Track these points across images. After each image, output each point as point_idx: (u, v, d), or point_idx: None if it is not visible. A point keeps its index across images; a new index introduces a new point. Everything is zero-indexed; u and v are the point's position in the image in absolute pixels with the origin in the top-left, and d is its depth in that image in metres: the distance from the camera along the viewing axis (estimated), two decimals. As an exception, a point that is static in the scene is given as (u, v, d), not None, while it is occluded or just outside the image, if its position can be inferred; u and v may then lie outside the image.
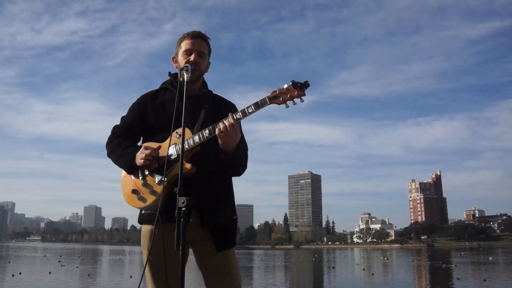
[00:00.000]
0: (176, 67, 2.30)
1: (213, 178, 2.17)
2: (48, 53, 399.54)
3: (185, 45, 2.23)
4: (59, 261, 29.43)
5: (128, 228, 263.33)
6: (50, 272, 19.29)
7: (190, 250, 2.27)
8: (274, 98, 1.98)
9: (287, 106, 1.98)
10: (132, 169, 2.16)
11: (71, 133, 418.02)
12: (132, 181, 2.17)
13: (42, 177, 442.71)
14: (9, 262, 28.30)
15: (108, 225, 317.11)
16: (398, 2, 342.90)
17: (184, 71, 2.05)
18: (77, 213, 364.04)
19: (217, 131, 2.01)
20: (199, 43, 2.24)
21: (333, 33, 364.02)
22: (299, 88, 1.96)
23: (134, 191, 2.15)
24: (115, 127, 2.33)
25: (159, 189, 2.04)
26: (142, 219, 2.22)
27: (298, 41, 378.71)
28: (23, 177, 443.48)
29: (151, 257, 2.14)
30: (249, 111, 2.00)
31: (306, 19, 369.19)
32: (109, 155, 2.26)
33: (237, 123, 2.02)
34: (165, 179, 2.03)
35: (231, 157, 2.09)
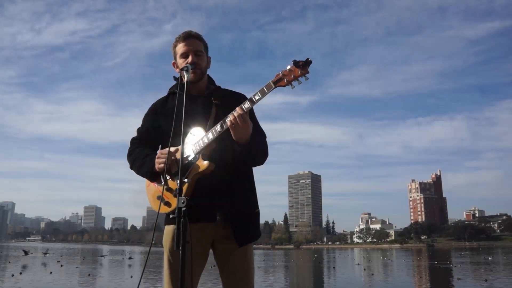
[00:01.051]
0: (178, 72, 2.28)
1: (233, 172, 2.16)
2: (48, 53, 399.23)
3: (180, 49, 2.23)
4: (58, 261, 29.44)
5: (128, 228, 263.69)
6: (51, 272, 19.31)
7: (210, 251, 2.27)
8: (278, 81, 1.94)
9: (293, 87, 1.94)
10: (154, 176, 2.18)
11: (71, 133, 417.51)
12: (156, 188, 2.20)
13: (42, 177, 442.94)
14: (9, 262, 28.33)
15: (108, 225, 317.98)
16: (398, 2, 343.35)
17: (184, 71, 2.06)
18: (77, 213, 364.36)
19: (228, 124, 2.01)
20: (193, 42, 2.23)
21: (333, 33, 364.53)
22: (302, 67, 1.91)
23: (159, 198, 2.16)
24: (133, 139, 2.36)
25: (182, 191, 2.04)
26: (168, 221, 2.22)
27: (298, 41, 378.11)
28: (23, 177, 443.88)
29: (171, 256, 2.15)
30: (256, 98, 1.97)
31: (306, 19, 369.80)
32: (131, 167, 2.28)
33: (245, 114, 2.00)
34: (186, 180, 2.03)
35: (246, 148, 2.06)
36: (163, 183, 2.15)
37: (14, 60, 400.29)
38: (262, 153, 2.21)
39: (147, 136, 2.32)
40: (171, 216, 2.12)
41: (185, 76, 2.05)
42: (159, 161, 2.11)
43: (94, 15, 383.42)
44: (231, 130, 2.02)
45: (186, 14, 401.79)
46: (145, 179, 2.26)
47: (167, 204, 2.11)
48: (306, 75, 1.93)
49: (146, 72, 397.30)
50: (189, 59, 2.20)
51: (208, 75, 2.35)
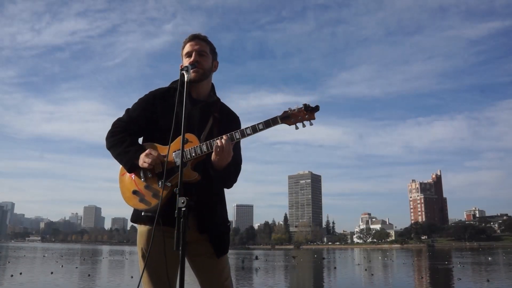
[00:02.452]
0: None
1: (212, 185, 2.18)
2: (48, 53, 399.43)
3: (185, 49, 2.25)
4: (56, 261, 29.41)
5: (128, 228, 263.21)
6: (52, 272, 19.28)
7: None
8: (285, 119, 2.02)
9: (297, 128, 2.03)
10: (133, 168, 2.14)
11: (71, 133, 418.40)
12: (133, 181, 2.15)
13: (42, 177, 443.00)
14: (9, 262, 28.30)
15: (107, 225, 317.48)
16: (399, 2, 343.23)
17: (184, 71, 2.03)
18: (76, 213, 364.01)
19: (214, 146, 2.02)
20: (198, 43, 2.24)
21: (334, 33, 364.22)
22: (310, 111, 2.02)
23: (135, 192, 2.13)
24: (119, 120, 2.26)
25: (162, 193, 2.03)
26: (138, 219, 2.19)
27: (299, 41, 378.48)
28: (23, 177, 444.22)
29: (148, 258, 2.13)
30: (260, 127, 2.02)
31: (306, 19, 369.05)
32: (109, 149, 2.21)
33: (231, 144, 2.03)
34: (169, 184, 2.04)
35: (220, 174, 2.10)
36: (142, 179, 2.12)
37: (14, 60, 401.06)
38: (232, 181, 2.24)
39: (136, 122, 2.23)
40: (143, 213, 2.11)
41: (185, 76, 2.01)
42: (146, 160, 2.06)
43: (94, 15, 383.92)
44: (213, 153, 2.03)
45: (187, 14, 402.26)
46: (120, 167, 2.22)
47: (144, 201, 2.09)
48: (312, 120, 2.03)
49: (146, 72, 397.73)
50: (192, 58, 2.19)
51: (212, 83, 2.35)
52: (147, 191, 2.09)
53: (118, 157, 2.17)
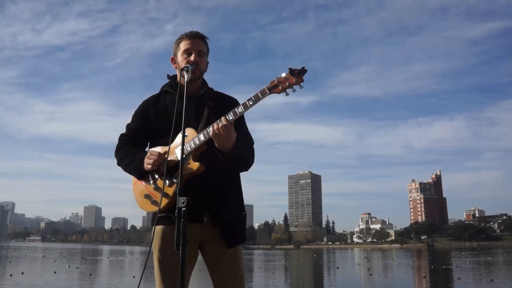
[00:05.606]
0: (175, 68, 2.28)
1: (222, 174, 2.16)
2: (49, 53, 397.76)
3: (184, 45, 2.21)
4: (55, 261, 29.40)
5: (128, 228, 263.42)
6: (55, 272, 19.30)
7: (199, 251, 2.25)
8: (273, 88, 1.96)
9: (287, 94, 1.96)
10: (142, 174, 2.17)
11: (72, 133, 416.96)
12: (144, 186, 2.19)
13: (42, 177, 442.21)
14: (9, 262, 28.31)
15: (108, 225, 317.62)
16: (399, 2, 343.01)
17: (184, 72, 2.04)
18: (77, 213, 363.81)
19: (210, 133, 2.00)
20: (198, 43, 2.22)
21: (334, 33, 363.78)
22: (297, 75, 1.94)
23: (147, 196, 2.16)
24: (122, 135, 2.33)
25: (170, 191, 2.05)
26: (156, 222, 2.18)
27: (299, 41, 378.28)
28: (23, 177, 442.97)
29: (161, 257, 2.14)
30: (250, 103, 1.98)
31: (307, 19, 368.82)
32: (118, 164, 2.27)
33: (229, 124, 2.00)
34: (175, 180, 2.04)
35: (229, 156, 2.06)
36: (151, 182, 2.15)
37: (15, 60, 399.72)
38: (247, 161, 2.20)
39: (137, 133, 2.30)
40: (158, 215, 2.10)
41: (185, 76, 2.01)
42: (148, 161, 2.10)
43: (95, 15, 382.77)
44: (214, 139, 2.02)
45: (187, 14, 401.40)
46: (131, 177, 2.25)
47: (155, 203, 2.11)
48: (301, 83, 1.95)
49: (147, 73, 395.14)
50: (192, 57, 2.18)
51: (203, 78, 2.33)
52: (157, 192, 2.11)
53: (127, 168, 2.23)
